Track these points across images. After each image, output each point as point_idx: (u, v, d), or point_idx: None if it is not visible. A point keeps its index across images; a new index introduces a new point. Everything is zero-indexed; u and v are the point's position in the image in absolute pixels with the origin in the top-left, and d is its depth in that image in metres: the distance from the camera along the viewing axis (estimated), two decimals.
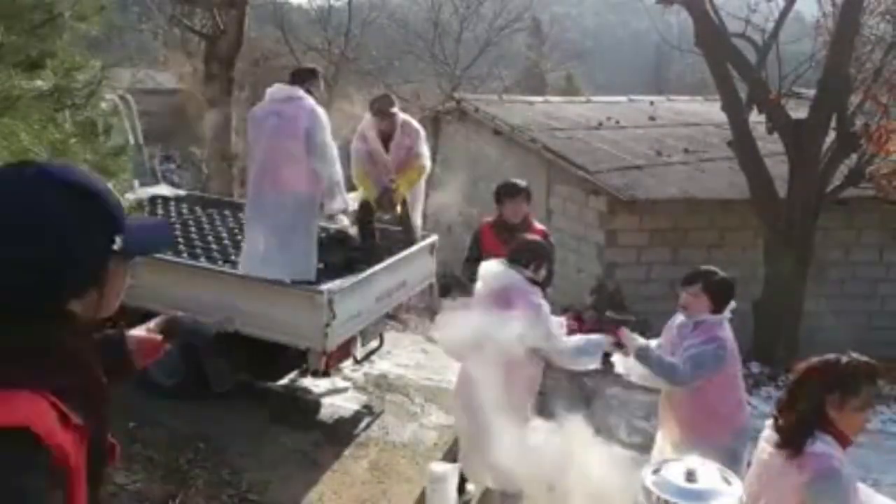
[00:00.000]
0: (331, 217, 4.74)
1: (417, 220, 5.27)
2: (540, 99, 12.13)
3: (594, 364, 3.37)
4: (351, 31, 18.85)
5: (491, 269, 3.39)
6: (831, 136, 7.48)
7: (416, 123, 5.09)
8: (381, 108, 4.90)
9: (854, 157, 7.50)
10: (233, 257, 4.96)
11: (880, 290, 8.71)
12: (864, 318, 8.44)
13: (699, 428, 3.20)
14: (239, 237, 5.34)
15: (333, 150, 4.28)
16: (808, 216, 7.46)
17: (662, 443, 3.44)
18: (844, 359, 2.19)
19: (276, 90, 4.31)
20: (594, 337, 3.34)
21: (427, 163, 5.05)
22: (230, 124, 10.18)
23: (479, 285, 3.40)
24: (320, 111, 4.26)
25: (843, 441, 2.14)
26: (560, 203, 8.89)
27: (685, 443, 3.19)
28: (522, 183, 4.34)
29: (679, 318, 3.42)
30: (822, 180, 7.45)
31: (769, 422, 2.29)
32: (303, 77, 4.39)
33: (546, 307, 3.33)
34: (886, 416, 7.20)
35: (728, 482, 1.34)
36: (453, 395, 3.85)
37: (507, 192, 4.25)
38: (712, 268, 3.40)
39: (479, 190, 10.22)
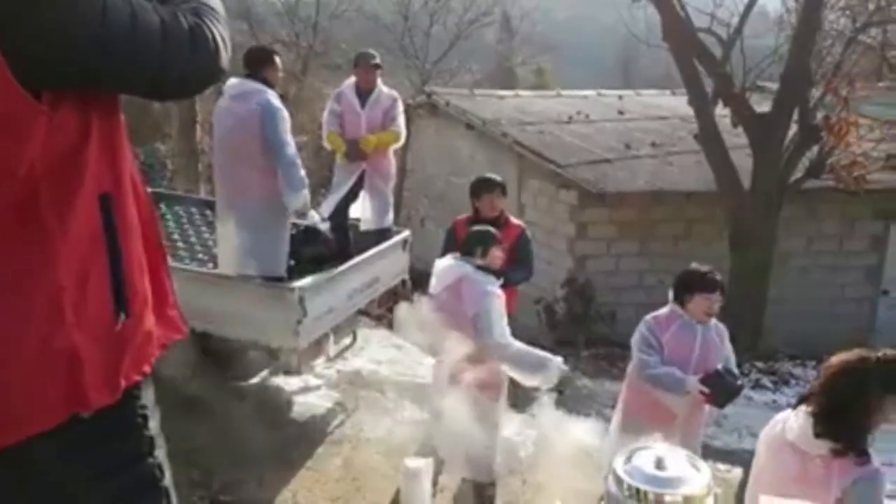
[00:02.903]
0: (303, 214, 4.70)
1: (388, 219, 5.25)
2: (511, 93, 12.18)
3: (540, 383, 3.18)
4: (319, 23, 18.66)
5: (443, 264, 3.42)
6: (793, 129, 7.65)
7: (395, 93, 5.09)
8: (364, 58, 4.93)
9: (815, 149, 7.68)
10: (200, 255, 4.90)
11: (840, 278, 8.95)
12: (826, 305, 8.68)
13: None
14: (206, 235, 5.27)
15: (292, 148, 4.17)
16: (772, 207, 7.63)
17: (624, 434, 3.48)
18: (885, 355, 2.17)
19: (233, 86, 4.14)
20: (545, 355, 3.24)
21: (402, 131, 5.03)
22: (195, 119, 10.02)
23: (433, 281, 3.42)
24: (276, 106, 4.12)
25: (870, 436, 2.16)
26: (531, 197, 8.96)
27: (688, 436, 3.25)
28: (498, 178, 4.35)
29: (697, 329, 3.29)
30: (785, 172, 7.62)
31: (793, 421, 2.23)
32: (258, 61, 4.21)
33: (496, 297, 3.29)
34: None
35: (697, 469, 1.37)
36: (431, 387, 3.86)
37: (483, 187, 4.25)
38: (702, 267, 3.35)
39: (451, 184, 10.26)
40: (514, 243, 4.15)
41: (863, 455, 2.12)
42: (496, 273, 3.40)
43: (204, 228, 5.42)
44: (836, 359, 2.22)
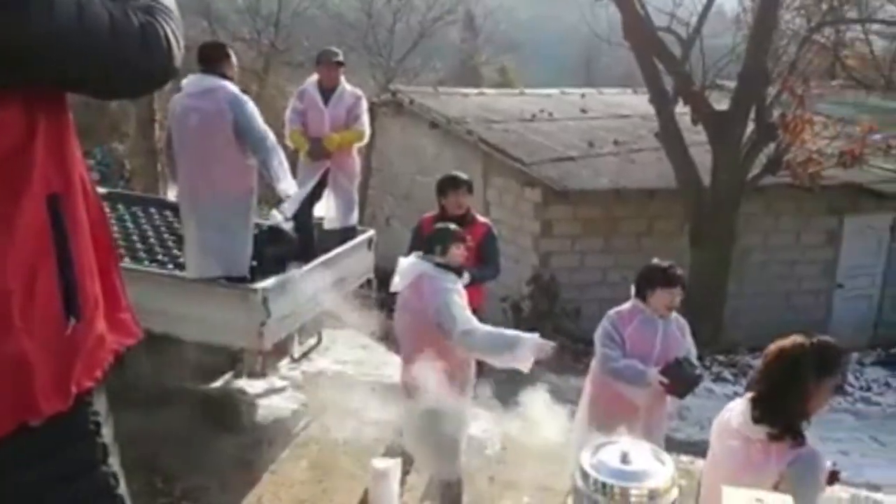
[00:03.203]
0: (280, 201, 4.61)
1: (353, 218, 5.21)
2: (475, 91, 12.21)
3: (517, 363, 3.12)
4: (281, 21, 18.47)
5: (405, 263, 3.42)
6: (751, 126, 7.81)
7: (360, 92, 5.05)
8: (327, 55, 4.88)
9: (772, 146, 7.86)
10: (160, 256, 4.80)
11: (797, 272, 9.19)
12: (783, 298, 8.89)
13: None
14: (166, 236, 5.17)
15: (270, 134, 4.13)
16: (731, 203, 7.78)
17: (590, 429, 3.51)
18: (819, 340, 2.23)
19: (192, 82, 4.05)
20: (516, 333, 3.21)
21: (367, 130, 5.00)
22: (153, 118, 9.82)
23: (395, 280, 3.42)
24: (244, 97, 4.10)
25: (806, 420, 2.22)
26: (497, 195, 8.99)
27: (652, 429, 3.29)
28: (464, 175, 4.36)
29: (659, 323, 3.34)
30: (743, 169, 7.78)
31: (738, 408, 2.29)
32: (215, 58, 4.13)
33: (455, 292, 3.27)
34: None
35: (661, 462, 1.39)
36: (397, 387, 3.84)
37: (449, 184, 4.25)
38: (663, 262, 3.39)
39: (416, 183, 10.23)
40: (480, 241, 4.16)
41: (798, 438, 2.17)
42: (457, 271, 3.40)
43: (164, 229, 5.32)
44: (774, 345, 2.27)
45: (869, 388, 7.77)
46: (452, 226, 3.60)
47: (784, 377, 2.19)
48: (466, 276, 3.49)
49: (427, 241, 3.48)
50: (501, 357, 3.15)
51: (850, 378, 7.92)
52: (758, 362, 7.32)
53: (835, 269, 9.30)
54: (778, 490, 2.13)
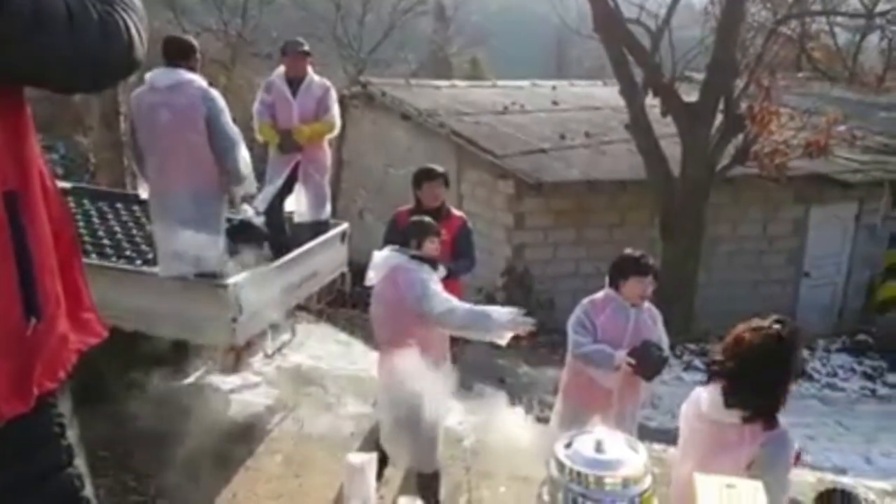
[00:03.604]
0: (243, 200, 4.57)
1: (325, 211, 5.16)
2: (446, 83, 12.19)
3: (495, 337, 3.19)
4: (248, 11, 18.22)
5: (379, 256, 3.42)
6: (720, 118, 7.91)
7: (328, 82, 4.99)
8: (292, 46, 4.82)
9: (740, 137, 7.98)
10: (128, 252, 4.72)
11: (764, 261, 9.35)
12: (751, 288, 9.05)
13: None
14: (134, 231, 5.08)
15: (237, 132, 4.11)
16: (700, 194, 7.89)
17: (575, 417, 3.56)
18: (781, 325, 2.29)
19: (159, 76, 3.98)
20: (494, 308, 3.26)
21: (337, 121, 4.94)
22: (118, 110, 9.61)
23: (369, 274, 3.41)
24: (215, 92, 4.06)
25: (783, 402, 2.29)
26: (470, 188, 9.00)
27: (625, 418, 3.35)
28: (440, 168, 4.35)
29: (630, 312, 3.39)
30: (712, 160, 7.88)
31: (705, 394, 2.34)
32: (182, 53, 4.06)
33: (430, 279, 3.30)
34: None
35: (634, 450, 1.41)
36: (373, 380, 3.84)
37: (424, 176, 4.24)
38: (635, 252, 3.45)
39: (389, 176, 10.19)
40: (455, 234, 4.16)
41: (773, 420, 2.24)
42: (432, 263, 3.41)
43: (131, 224, 5.23)
44: (741, 332, 2.32)
45: (835, 374, 7.96)
46: (428, 219, 3.60)
47: (767, 362, 2.24)
48: (443, 270, 3.50)
49: (402, 234, 3.48)
50: (482, 330, 3.20)
51: (817, 364, 8.10)
52: None
53: (801, 258, 9.49)
54: (750, 471, 2.19)
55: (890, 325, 8.79)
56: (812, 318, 9.20)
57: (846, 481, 4.46)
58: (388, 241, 4.08)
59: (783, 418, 2.26)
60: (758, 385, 2.24)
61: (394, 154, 10.23)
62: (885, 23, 11.39)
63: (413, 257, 3.35)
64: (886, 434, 6.19)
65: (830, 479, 4.83)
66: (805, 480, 4.85)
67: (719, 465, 2.04)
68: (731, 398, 2.25)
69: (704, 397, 2.35)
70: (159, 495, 3.83)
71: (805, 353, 8.18)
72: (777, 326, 2.29)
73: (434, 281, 3.33)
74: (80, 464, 1.37)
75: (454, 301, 3.27)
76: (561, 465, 1.38)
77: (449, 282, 3.64)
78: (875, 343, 8.38)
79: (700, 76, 8.49)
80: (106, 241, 4.90)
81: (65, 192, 5.89)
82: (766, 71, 8.26)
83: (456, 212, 4.36)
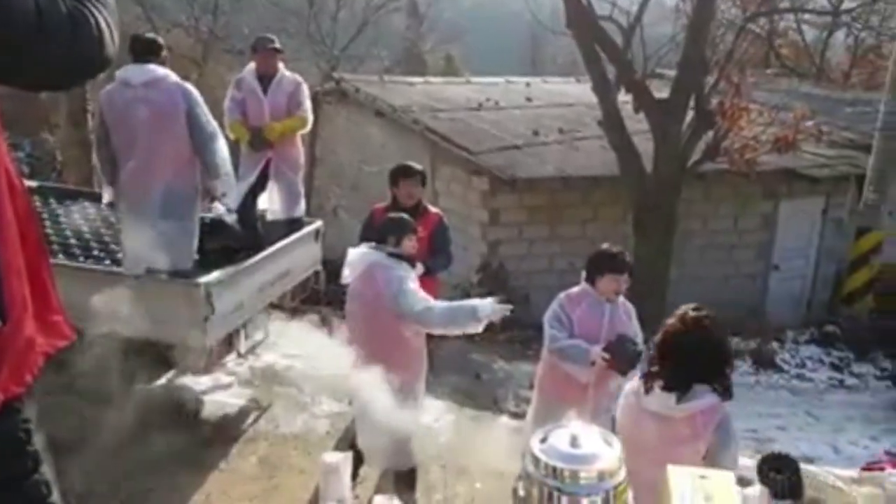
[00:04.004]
0: (212, 199, 4.51)
1: (299, 209, 5.12)
2: (420, 80, 12.17)
3: (472, 329, 3.21)
4: (219, 7, 17.96)
5: (355, 253, 3.40)
6: (691, 114, 8.00)
7: (299, 77, 4.95)
8: (262, 42, 4.77)
9: (711, 133, 8.07)
10: (97, 252, 4.64)
11: (735, 256, 9.50)
12: (722, 282, 9.17)
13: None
14: (102, 230, 5.00)
15: (215, 125, 4.09)
16: (672, 190, 7.97)
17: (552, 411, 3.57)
18: (706, 313, 2.41)
19: (133, 73, 3.93)
20: (471, 301, 3.27)
21: (309, 116, 4.89)
22: (86, 108, 9.44)
23: (345, 272, 3.39)
24: (191, 87, 4.05)
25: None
26: (445, 184, 8.99)
27: (601, 412, 3.36)
28: (417, 166, 4.32)
29: (606, 307, 3.42)
30: (683, 156, 7.97)
31: (638, 386, 2.44)
32: (150, 50, 4.02)
33: (409, 279, 3.30)
34: (742, 369, 7.91)
35: (609, 444, 1.42)
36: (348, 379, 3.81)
37: (400, 174, 4.22)
38: (612, 249, 3.47)
39: (363, 172, 10.15)
40: (432, 231, 4.15)
41: (725, 399, 2.37)
42: (410, 261, 3.40)
43: (99, 223, 5.14)
44: (673, 328, 2.42)
45: (804, 365, 8.11)
46: (405, 216, 3.59)
47: (706, 348, 2.36)
48: (421, 268, 3.50)
49: (380, 231, 3.47)
50: (460, 327, 3.21)
51: (787, 356, 8.25)
52: None
53: (771, 252, 9.65)
54: (706, 459, 2.29)
55: (856, 316, 8.98)
56: (781, 310, 9.37)
57: (814, 470, 4.54)
58: (364, 238, 4.07)
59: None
60: (705, 371, 2.34)
61: (368, 151, 10.19)
62: (850, 20, 11.63)
63: (391, 254, 3.33)
64: (853, 423, 6.34)
65: (801, 468, 4.92)
66: None
67: (678, 459, 2.08)
68: (680, 394, 2.33)
69: (648, 397, 2.41)
70: (130, 500, 3.77)
71: (775, 344, 8.33)
72: (694, 314, 2.42)
73: (412, 279, 3.32)
74: (46, 470, 1.34)
75: (432, 301, 3.27)
76: (536, 460, 1.38)
77: (426, 279, 3.64)
78: (842, 334, 8.56)
79: (671, 73, 8.58)
80: (74, 241, 4.81)
81: (31, 190, 5.77)
82: (735, 67, 8.37)
83: (432, 209, 4.35)
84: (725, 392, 2.36)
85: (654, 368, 2.42)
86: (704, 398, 2.35)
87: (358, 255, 3.39)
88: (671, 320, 2.46)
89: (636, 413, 2.45)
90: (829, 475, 4.38)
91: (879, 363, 8.06)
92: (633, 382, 2.55)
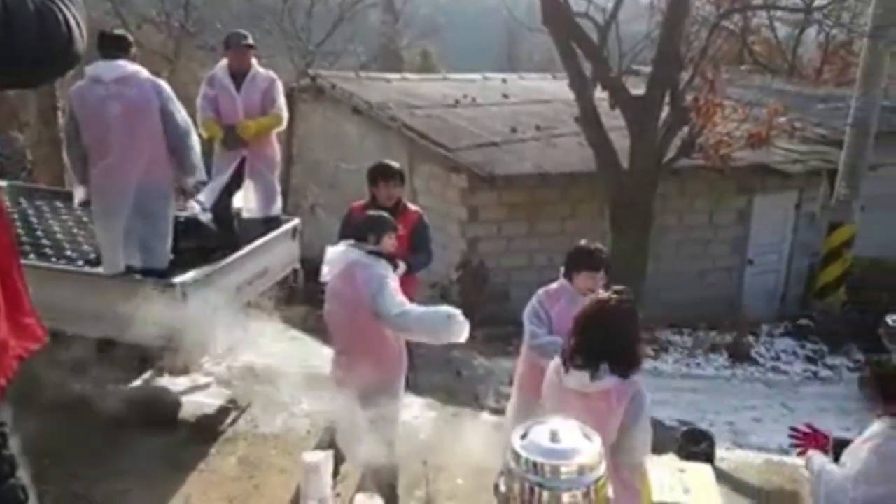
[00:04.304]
0: (187, 197, 4.47)
1: (276, 207, 5.08)
2: (397, 76, 12.11)
3: (449, 338, 3.18)
4: (191, 2, 17.73)
5: (334, 251, 3.38)
6: (666, 111, 8.07)
7: (273, 74, 4.90)
8: (235, 39, 4.72)
9: (686, 129, 8.15)
10: (69, 253, 4.56)
11: (710, 250, 9.61)
12: (698, 276, 9.29)
13: None
14: (75, 230, 4.92)
15: (189, 121, 4.07)
16: (648, 186, 8.03)
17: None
18: (621, 297, 2.56)
19: (103, 69, 3.87)
20: (447, 309, 3.22)
21: (284, 114, 4.85)
22: (56, 105, 9.27)
23: (324, 270, 3.37)
24: (163, 82, 4.02)
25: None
26: (424, 181, 8.97)
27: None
28: (396, 165, 4.28)
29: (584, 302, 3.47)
30: (659, 152, 8.03)
31: (561, 370, 2.55)
32: (119, 46, 3.96)
33: (389, 278, 3.29)
34: (718, 363, 8.01)
35: (589, 438, 1.43)
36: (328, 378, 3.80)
37: (379, 174, 4.17)
38: (590, 245, 3.48)
39: (340, 170, 10.09)
40: (412, 230, 4.14)
41: (629, 378, 2.49)
42: (390, 259, 3.39)
43: (71, 223, 5.06)
44: (590, 310, 2.56)
45: (778, 358, 8.24)
46: (385, 214, 3.58)
47: (620, 327, 2.51)
48: (403, 267, 3.49)
49: (359, 229, 3.44)
50: (436, 335, 3.20)
51: (762, 349, 8.37)
52: (676, 338, 7.68)
53: (745, 247, 9.77)
54: (621, 430, 2.44)
55: (829, 310, 9.14)
56: (756, 304, 9.51)
57: (790, 461, 4.62)
58: (343, 236, 4.04)
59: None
60: (612, 350, 2.47)
61: (345, 148, 10.13)
62: (822, 17, 11.81)
63: (370, 252, 3.32)
64: (827, 414, 6.44)
65: (777, 459, 5.00)
66: (751, 462, 5.01)
67: (599, 433, 2.17)
68: (593, 371, 2.45)
69: (568, 374, 2.52)
70: (108, 501, 3.72)
71: (750, 338, 8.45)
72: (613, 296, 2.56)
73: (392, 278, 3.31)
74: (23, 475, 1.31)
75: (409, 305, 3.25)
76: (517, 456, 1.39)
77: (407, 278, 3.63)
78: (816, 327, 8.70)
79: (647, 69, 8.64)
80: (45, 241, 4.73)
81: (1, 190, 5.66)
82: (710, 64, 8.45)
83: (412, 207, 4.33)
84: (626, 370, 2.47)
85: (570, 347, 2.55)
86: (613, 376, 2.48)
87: (337, 254, 3.37)
88: (591, 303, 2.61)
89: (559, 391, 2.57)
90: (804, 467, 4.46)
91: (853, 355, 8.20)
92: (556, 361, 2.65)
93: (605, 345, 2.48)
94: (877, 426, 2.42)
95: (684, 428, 2.92)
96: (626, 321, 2.54)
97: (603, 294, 2.63)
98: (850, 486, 2.37)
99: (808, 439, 2.67)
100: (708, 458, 2.62)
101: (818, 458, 2.60)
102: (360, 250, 3.32)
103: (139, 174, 3.93)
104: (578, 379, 2.49)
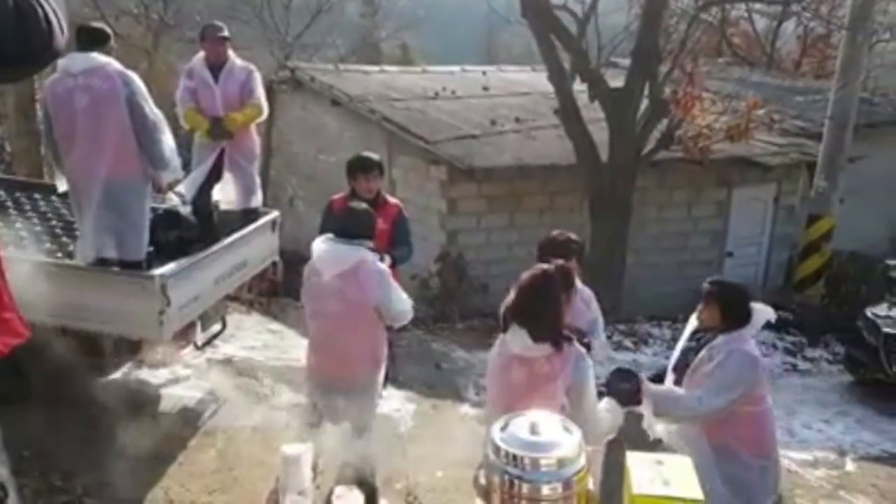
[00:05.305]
0: (161, 191, 4.41)
1: (256, 199, 5.04)
2: (376, 69, 12.04)
3: None
4: None
5: (333, 249, 3.33)
6: (645, 103, 8.11)
7: (251, 65, 4.86)
8: (211, 31, 4.68)
9: (665, 122, 8.20)
10: (48, 245, 4.50)
11: (690, 243, 9.69)
12: (677, 269, 9.36)
13: None
14: (54, 222, 4.86)
15: (160, 115, 3.99)
16: (627, 178, 8.08)
17: None
18: (548, 266, 2.70)
19: (73, 61, 3.82)
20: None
21: (264, 104, 4.81)
22: (34, 97, 9.13)
23: (319, 266, 3.33)
24: (133, 74, 3.94)
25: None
26: (402, 174, 8.95)
27: None
28: (375, 157, 4.25)
29: None
30: (638, 144, 8.08)
31: (506, 339, 2.62)
32: (96, 40, 3.92)
33: (388, 274, 3.39)
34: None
35: (569, 431, 1.44)
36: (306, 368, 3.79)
37: (357, 167, 4.14)
38: (561, 235, 3.53)
39: (320, 162, 10.03)
40: (392, 223, 4.13)
41: (568, 343, 2.59)
42: (380, 255, 3.44)
43: (51, 215, 5.00)
44: (529, 276, 2.66)
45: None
46: (369, 208, 3.58)
47: (546, 298, 2.61)
48: (389, 260, 3.50)
49: (358, 226, 3.40)
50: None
51: None
52: (656, 330, 7.74)
53: (725, 239, 9.86)
54: (569, 395, 2.51)
55: (808, 302, 9.26)
56: None
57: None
58: (324, 229, 4.02)
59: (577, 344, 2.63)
60: (551, 318, 2.57)
61: (324, 141, 10.08)
62: (800, 10, 11.89)
63: (371, 250, 3.35)
64: (806, 406, 6.52)
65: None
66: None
67: (541, 399, 2.29)
68: (535, 333, 2.52)
69: (511, 341, 2.58)
70: (87, 494, 3.70)
71: None
72: (545, 267, 2.69)
73: (389, 274, 3.41)
74: (2, 472, 1.30)
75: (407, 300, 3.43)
76: (497, 448, 1.40)
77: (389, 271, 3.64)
78: (795, 320, 8.79)
79: (626, 62, 8.68)
80: (24, 234, 4.66)
81: None
82: (689, 57, 8.51)
83: (391, 199, 4.32)
84: (555, 339, 2.55)
85: (510, 312, 2.62)
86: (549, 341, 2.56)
87: (341, 251, 3.31)
88: (526, 274, 2.69)
89: (505, 358, 2.62)
90: (784, 459, 4.53)
91: (832, 348, 8.30)
92: (500, 336, 2.71)
93: (534, 310, 2.57)
94: (720, 340, 2.95)
95: (613, 367, 3.15)
96: (550, 288, 2.63)
97: (545, 266, 2.72)
98: (711, 396, 2.83)
99: (635, 385, 2.83)
100: (633, 397, 2.76)
101: (651, 386, 2.87)
102: (364, 248, 3.31)
103: (107, 166, 3.87)
104: (520, 339, 2.53)
